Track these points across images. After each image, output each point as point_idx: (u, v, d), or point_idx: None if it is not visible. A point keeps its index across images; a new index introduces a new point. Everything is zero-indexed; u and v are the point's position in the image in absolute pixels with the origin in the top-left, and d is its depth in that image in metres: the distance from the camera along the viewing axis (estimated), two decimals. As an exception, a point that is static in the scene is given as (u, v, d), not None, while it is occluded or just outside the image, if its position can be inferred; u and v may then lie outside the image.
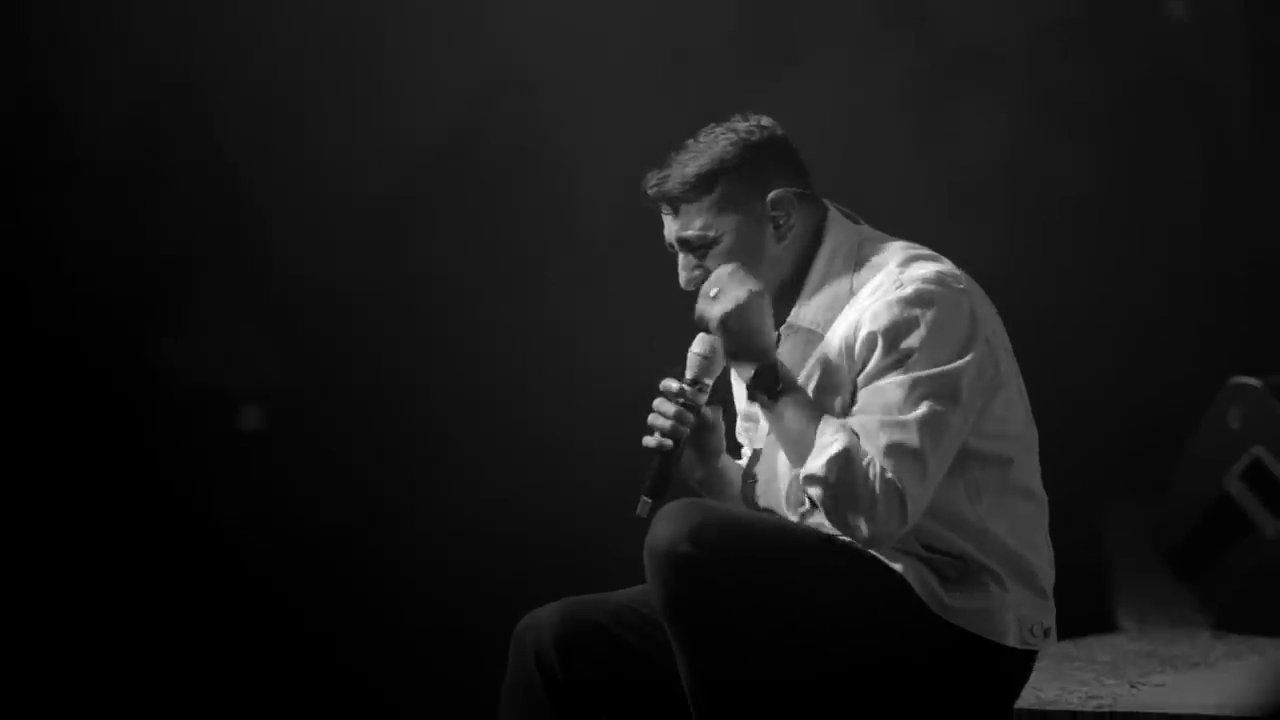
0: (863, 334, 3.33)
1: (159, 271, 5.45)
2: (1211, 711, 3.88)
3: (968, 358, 3.31)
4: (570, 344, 5.57)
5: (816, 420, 3.31)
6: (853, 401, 3.34)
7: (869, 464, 3.26)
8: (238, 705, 5.39)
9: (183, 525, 5.40)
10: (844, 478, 3.26)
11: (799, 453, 3.32)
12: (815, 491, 3.29)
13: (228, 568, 5.41)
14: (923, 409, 3.27)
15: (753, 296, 3.37)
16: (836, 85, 5.83)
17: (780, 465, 3.45)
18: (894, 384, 3.29)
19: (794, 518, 3.38)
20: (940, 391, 3.28)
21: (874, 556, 3.36)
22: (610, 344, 5.40)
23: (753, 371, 3.36)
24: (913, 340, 3.30)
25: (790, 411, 3.34)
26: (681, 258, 3.46)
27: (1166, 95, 6.32)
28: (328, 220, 5.56)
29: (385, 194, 5.64)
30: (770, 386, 3.35)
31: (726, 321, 3.36)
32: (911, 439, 3.26)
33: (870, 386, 3.31)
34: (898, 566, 3.35)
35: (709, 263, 3.43)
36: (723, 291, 3.37)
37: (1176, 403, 5.86)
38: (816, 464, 3.27)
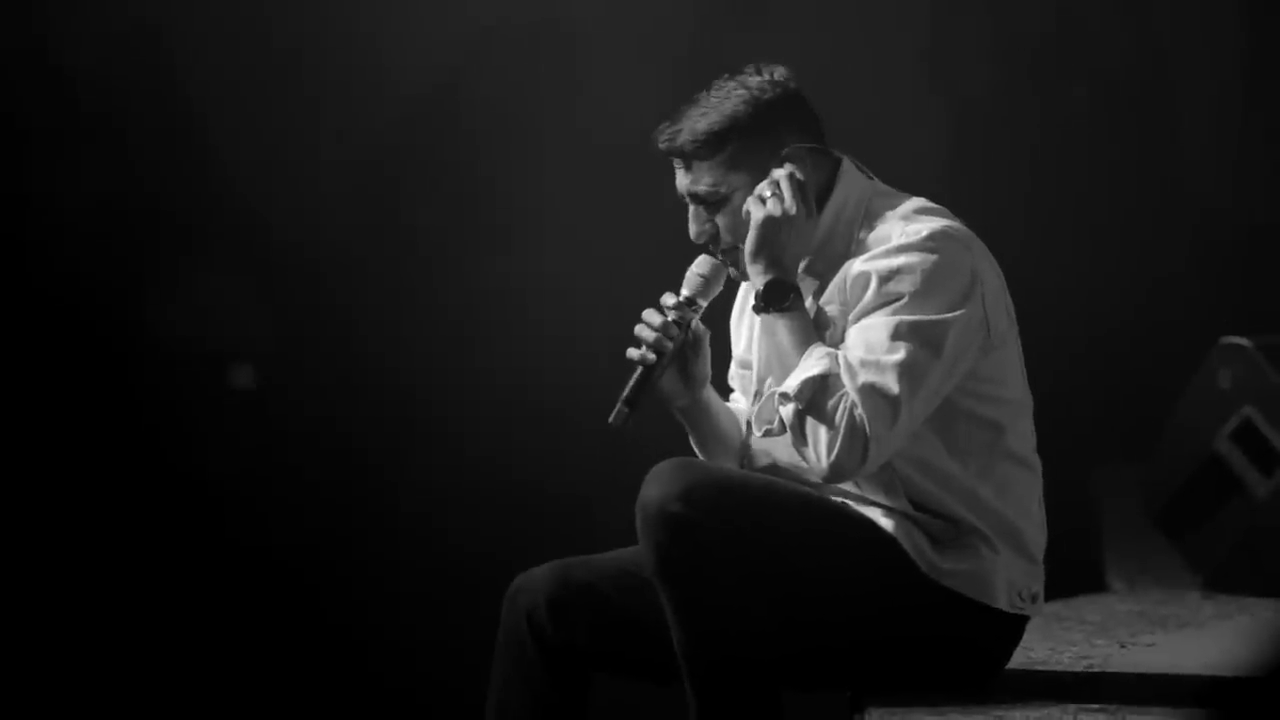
0: (855, 270, 3.33)
1: (148, 233, 5.43)
2: (1201, 671, 3.89)
3: (958, 313, 3.31)
4: (563, 305, 5.56)
5: (807, 344, 3.32)
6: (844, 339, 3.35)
7: (841, 397, 3.25)
8: (228, 666, 5.40)
9: (172, 486, 5.39)
10: (815, 403, 3.26)
11: (783, 371, 3.32)
12: (786, 410, 3.28)
13: (216, 528, 5.41)
14: (902, 353, 3.27)
15: (799, 216, 3.36)
16: (833, 40, 5.82)
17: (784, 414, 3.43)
18: (879, 323, 3.29)
19: (757, 433, 3.37)
20: (924, 340, 3.28)
21: (865, 517, 3.36)
22: (602, 305, 5.39)
23: (768, 278, 3.35)
24: (905, 285, 3.30)
25: (785, 328, 3.33)
26: (692, 210, 3.46)
27: (1158, 62, 6.31)
28: (316, 182, 5.55)
29: (373, 155, 5.63)
30: (779, 301, 3.34)
31: (766, 224, 3.35)
32: (888, 383, 3.26)
33: (858, 324, 3.31)
34: (888, 526, 3.36)
35: (719, 218, 3.43)
36: (775, 198, 3.36)
37: (1167, 363, 5.86)
38: (793, 383, 3.28)
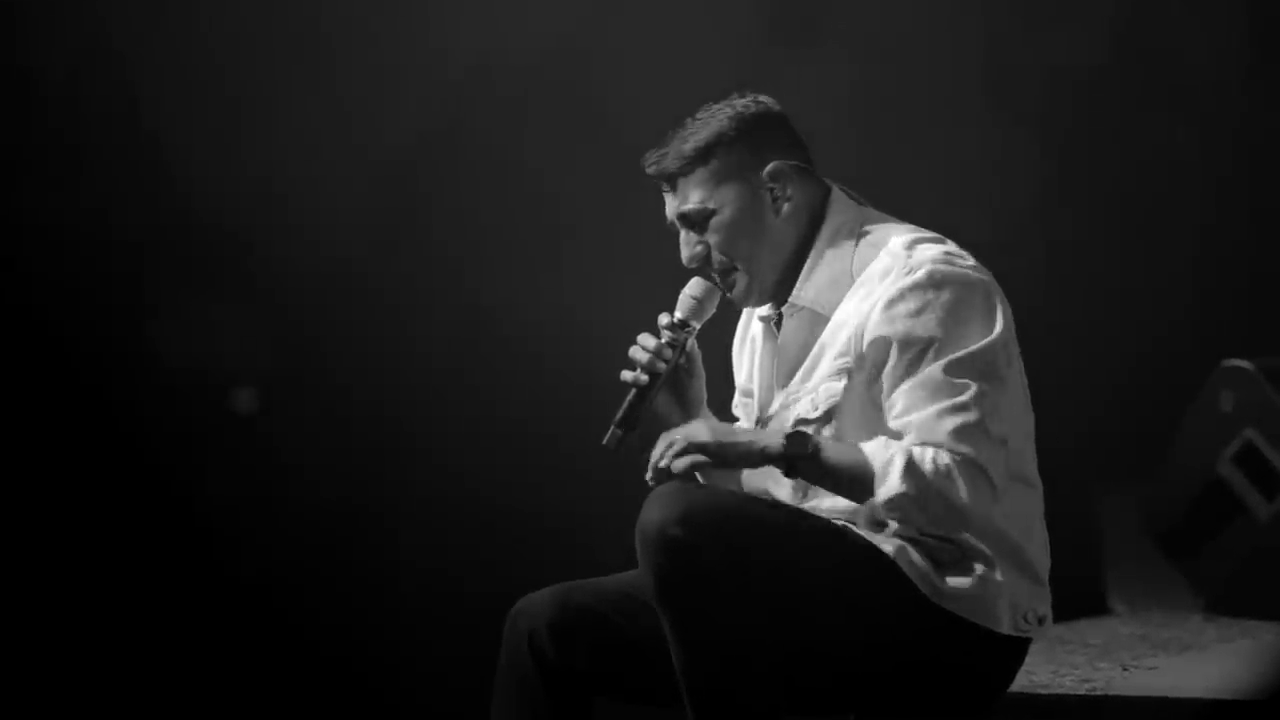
0: (877, 325, 3.32)
1: (146, 255, 5.43)
2: (1204, 694, 3.89)
3: (995, 334, 3.32)
4: (566, 329, 5.56)
5: (857, 449, 3.30)
6: (866, 388, 3.34)
7: (935, 459, 3.25)
8: (228, 691, 5.39)
9: (170, 510, 5.39)
10: (921, 484, 3.25)
11: (861, 487, 3.29)
12: (901, 511, 3.27)
13: (216, 552, 5.41)
14: (973, 389, 3.27)
15: (699, 424, 3.36)
16: (839, 73, 5.82)
17: None
18: (934, 372, 3.29)
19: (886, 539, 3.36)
20: (980, 369, 3.29)
21: (867, 540, 3.36)
22: (605, 328, 5.39)
23: (781, 442, 3.31)
24: (935, 328, 3.30)
25: (832, 459, 3.30)
26: (683, 234, 3.48)
27: (1162, 75, 6.31)
28: (316, 205, 5.55)
29: (378, 177, 5.63)
30: (803, 446, 3.30)
31: (713, 444, 3.31)
32: (973, 416, 3.26)
33: (909, 383, 3.30)
34: (890, 549, 3.35)
35: (709, 237, 3.44)
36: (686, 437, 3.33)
37: (1169, 385, 5.85)
38: (892, 485, 3.26)
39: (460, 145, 5.65)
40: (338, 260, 5.55)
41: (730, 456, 3.33)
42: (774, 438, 3.31)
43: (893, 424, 3.31)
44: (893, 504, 3.27)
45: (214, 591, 5.38)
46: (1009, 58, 6.16)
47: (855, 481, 3.30)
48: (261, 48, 5.47)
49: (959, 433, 3.26)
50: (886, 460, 3.27)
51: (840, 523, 3.39)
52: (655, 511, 3.24)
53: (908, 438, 3.29)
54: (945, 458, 3.25)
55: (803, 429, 3.35)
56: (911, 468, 3.25)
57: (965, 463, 3.26)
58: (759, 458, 3.32)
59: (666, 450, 3.31)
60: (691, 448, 3.30)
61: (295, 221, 5.48)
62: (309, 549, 5.44)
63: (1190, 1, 6.27)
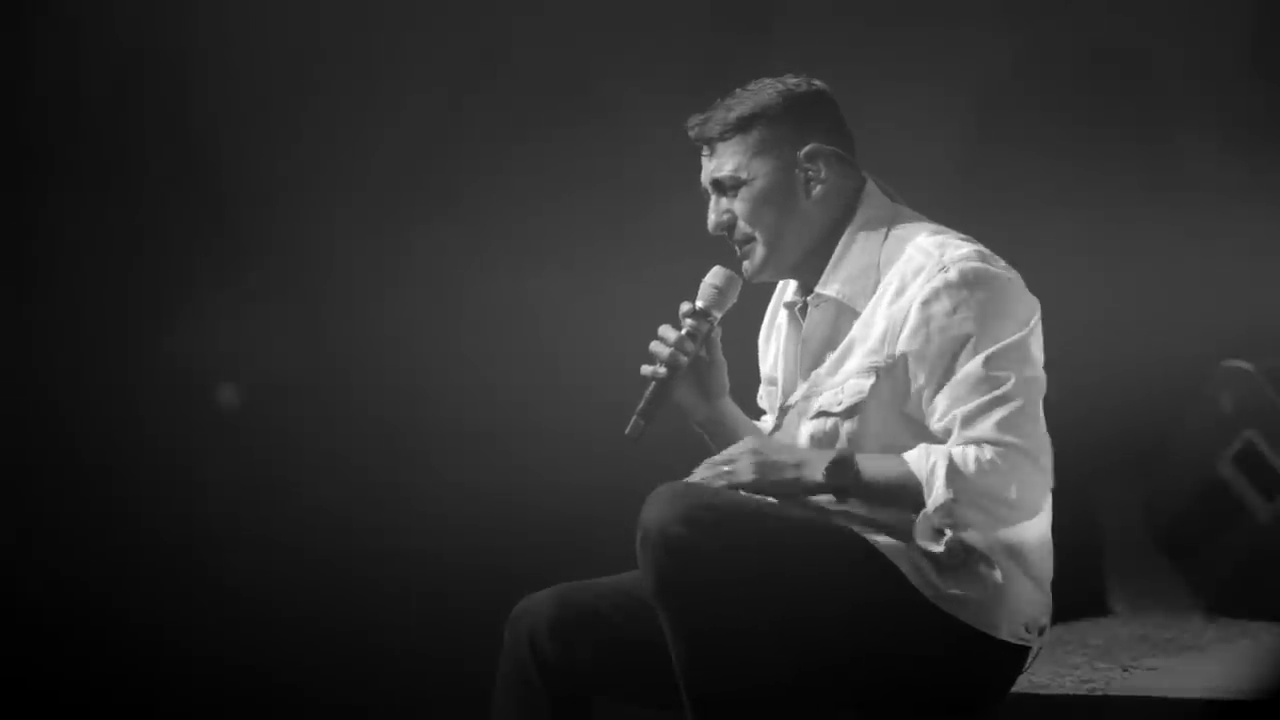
0: (912, 327, 3.33)
1: (144, 254, 5.43)
2: (1204, 695, 3.89)
3: (1030, 326, 3.35)
4: (568, 327, 5.56)
5: (900, 461, 3.31)
6: (893, 389, 3.35)
7: (977, 457, 3.26)
8: (228, 691, 5.39)
9: (169, 511, 5.39)
10: (967, 486, 3.26)
11: (910, 499, 3.30)
12: (952, 517, 3.27)
13: (215, 553, 5.41)
14: (1013, 379, 3.29)
15: (746, 457, 3.36)
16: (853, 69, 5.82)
17: (802, 435, 3.45)
18: (973, 368, 3.30)
19: (937, 549, 3.34)
20: (1019, 358, 3.31)
21: (865, 540, 3.35)
22: (609, 328, 5.39)
23: (824, 470, 3.32)
24: (971, 325, 3.32)
25: (875, 479, 3.32)
26: (713, 200, 3.50)
27: (1163, 76, 6.31)
28: (318, 201, 5.55)
29: (374, 176, 5.63)
30: (847, 471, 3.32)
31: (760, 481, 3.33)
32: (1016, 404, 3.28)
33: (952, 381, 3.31)
34: (892, 549, 3.35)
35: (738, 206, 3.46)
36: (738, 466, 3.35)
37: (1169, 386, 5.85)
38: (938, 494, 3.27)
39: (463, 142, 5.65)
40: (338, 255, 5.56)
41: (775, 491, 3.34)
42: (816, 468, 3.32)
43: (936, 426, 3.32)
44: (943, 511, 3.27)
45: (213, 592, 5.39)
46: (1003, 55, 6.16)
47: (903, 495, 3.31)
48: (257, 47, 5.47)
49: (1004, 423, 3.27)
50: (930, 469, 3.28)
51: (841, 524, 3.39)
52: (655, 511, 3.24)
53: (952, 437, 3.30)
54: (989, 453, 3.26)
55: (844, 451, 3.35)
56: (954, 471, 3.26)
57: (1012, 453, 3.27)
58: (803, 490, 3.33)
59: (714, 478, 3.31)
60: (743, 487, 3.31)
61: (292, 223, 5.49)
62: (309, 550, 5.43)
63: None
